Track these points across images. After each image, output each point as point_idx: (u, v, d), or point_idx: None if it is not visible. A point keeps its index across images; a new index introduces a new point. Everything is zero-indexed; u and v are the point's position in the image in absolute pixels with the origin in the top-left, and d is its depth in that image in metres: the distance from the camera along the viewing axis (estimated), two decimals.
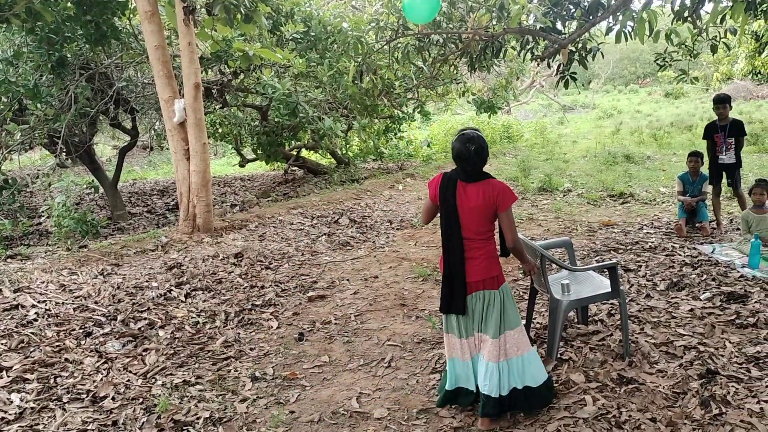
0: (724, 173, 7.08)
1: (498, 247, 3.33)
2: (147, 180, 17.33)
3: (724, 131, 6.90)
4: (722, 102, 6.93)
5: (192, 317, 5.01)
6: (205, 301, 5.38)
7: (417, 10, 5.30)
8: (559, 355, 4.00)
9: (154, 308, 5.16)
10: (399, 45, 7.65)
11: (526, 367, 3.31)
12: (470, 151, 3.12)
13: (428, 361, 4.17)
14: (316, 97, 10.32)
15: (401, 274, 6.17)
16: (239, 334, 4.76)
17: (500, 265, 3.31)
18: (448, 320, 3.38)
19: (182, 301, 5.35)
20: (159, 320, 4.93)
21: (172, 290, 5.55)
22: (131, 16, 9.05)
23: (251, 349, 4.50)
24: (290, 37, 10.04)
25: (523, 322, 4.34)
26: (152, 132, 13.55)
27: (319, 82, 10.47)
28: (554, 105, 31.99)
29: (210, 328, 4.86)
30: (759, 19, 11.46)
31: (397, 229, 8.15)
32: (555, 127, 23.10)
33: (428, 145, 17.81)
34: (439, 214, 3.33)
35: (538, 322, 4.64)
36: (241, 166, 15.02)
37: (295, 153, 14.32)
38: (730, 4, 5.59)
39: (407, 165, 15.06)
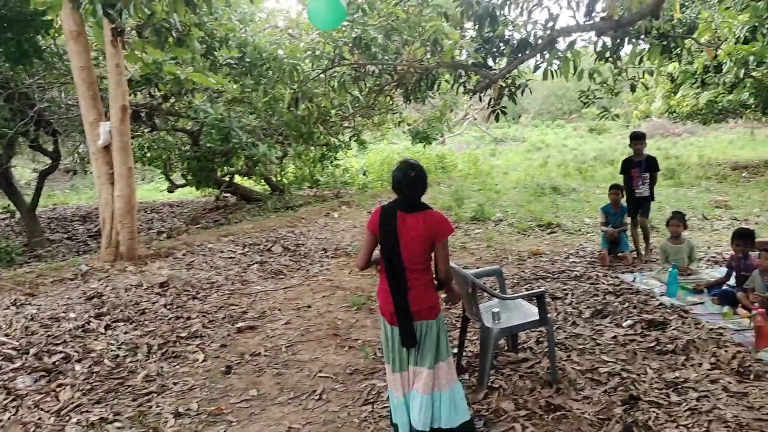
0: (639, 206, 7.41)
1: (435, 279, 3.32)
2: (68, 205, 16.63)
3: (640, 166, 7.23)
4: (638, 139, 7.28)
5: (112, 350, 4.77)
6: (126, 332, 5.15)
7: (322, 17, 5.25)
8: (490, 383, 4.01)
9: (70, 341, 4.89)
10: (335, 74, 7.69)
11: (454, 400, 3.27)
12: (411, 179, 3.15)
13: (361, 392, 4.10)
14: (251, 123, 10.22)
15: (335, 303, 6.10)
16: (162, 367, 4.57)
17: (437, 294, 3.30)
18: (385, 351, 3.31)
19: (102, 333, 5.09)
20: (76, 354, 4.67)
21: (91, 321, 5.29)
22: (56, 35, 8.73)
23: (175, 384, 4.31)
24: (224, 62, 9.93)
25: (455, 350, 4.37)
26: (75, 155, 13.06)
27: (253, 108, 10.39)
28: (486, 137, 32.83)
29: (131, 362, 4.64)
30: (674, 61, 12.16)
31: (332, 257, 8.08)
32: (487, 158, 23.66)
33: (364, 173, 17.89)
34: (378, 248, 3.28)
35: (469, 351, 4.66)
36: (170, 191, 14.64)
37: (227, 179, 14.09)
38: (647, 47, 5.92)
39: (343, 193, 15.06)
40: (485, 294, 4.83)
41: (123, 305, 5.73)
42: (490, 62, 6.92)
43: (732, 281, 5.73)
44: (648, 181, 7.21)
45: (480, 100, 7.54)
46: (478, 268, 6.63)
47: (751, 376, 3.99)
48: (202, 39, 9.01)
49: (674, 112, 18.64)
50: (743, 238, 5.64)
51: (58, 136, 11.37)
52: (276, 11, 14.62)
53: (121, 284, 6.38)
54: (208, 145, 11.28)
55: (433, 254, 3.25)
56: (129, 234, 7.36)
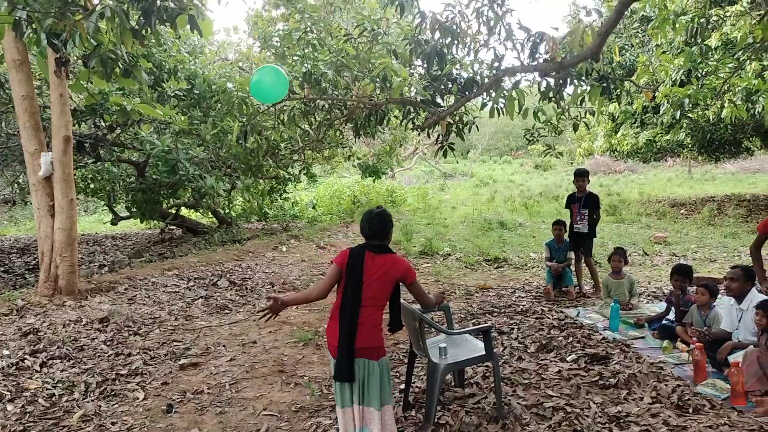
0: (578, 242, 7.60)
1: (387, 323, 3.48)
2: (6, 237, 15.99)
3: (580, 203, 7.45)
4: (580, 176, 7.53)
5: (47, 389, 4.58)
6: (63, 370, 4.95)
7: (265, 92, 5.41)
8: (436, 419, 4.00)
9: (3, 379, 4.67)
10: (285, 108, 7.71)
11: None
12: (380, 226, 3.43)
13: (306, 430, 4.04)
14: (198, 155, 10.10)
15: (281, 338, 6.02)
16: (100, 406, 4.40)
17: (383, 338, 3.39)
18: (334, 387, 3.36)
19: (37, 371, 4.88)
20: (8, 393, 4.46)
21: (25, 359, 5.07)
22: None
23: (113, 423, 4.15)
24: (173, 94, 9.84)
25: (402, 386, 4.37)
26: (15, 185, 12.63)
27: (202, 140, 10.28)
28: (436, 172, 33.29)
29: (67, 401, 4.45)
30: (614, 102, 12.68)
31: (280, 291, 7.98)
32: (436, 193, 23.96)
33: (313, 207, 17.84)
34: (338, 284, 3.40)
35: (416, 386, 4.65)
36: (114, 224, 14.25)
37: (173, 211, 13.83)
38: (589, 87, 6.16)
39: (292, 226, 14.97)
40: (432, 329, 4.85)
41: (60, 341, 5.52)
42: (438, 99, 7.06)
43: (671, 316, 5.91)
44: (586, 217, 7.41)
45: (428, 136, 7.66)
46: None
47: (690, 410, 4.10)
48: (150, 70, 8.93)
49: (615, 150, 19.34)
50: (681, 273, 5.85)
51: None
52: (226, 44, 14.69)
53: (59, 319, 6.15)
54: (154, 176, 11.07)
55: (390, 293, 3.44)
56: (69, 267, 7.12)
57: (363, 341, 3.26)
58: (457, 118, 7.23)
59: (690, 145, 17.58)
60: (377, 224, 3.42)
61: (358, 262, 3.34)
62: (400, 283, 3.43)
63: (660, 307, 6.43)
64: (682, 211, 16.41)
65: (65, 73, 6.79)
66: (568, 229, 7.63)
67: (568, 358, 5.16)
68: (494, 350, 4.10)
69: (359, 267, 3.33)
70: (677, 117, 10.49)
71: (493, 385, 4.51)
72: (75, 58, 8.18)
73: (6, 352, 5.15)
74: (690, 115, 13.11)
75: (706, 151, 18.73)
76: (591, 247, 7.60)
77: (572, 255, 7.62)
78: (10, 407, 4.26)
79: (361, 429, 3.31)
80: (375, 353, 3.32)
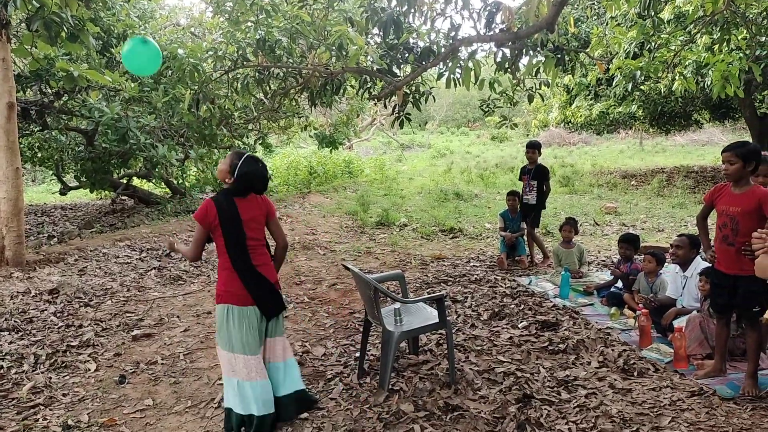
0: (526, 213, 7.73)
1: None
2: None
3: (530, 174, 7.56)
4: (531, 148, 7.63)
5: None
6: (11, 342, 4.84)
7: (138, 63, 5.21)
8: (390, 386, 4.07)
9: None
10: (238, 75, 7.56)
11: (296, 367, 3.75)
12: (264, 172, 3.51)
13: None
14: (150, 124, 9.85)
15: None
16: (51, 378, 4.33)
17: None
18: (239, 342, 3.40)
19: None
20: None
21: None
22: None
23: (64, 395, 4.09)
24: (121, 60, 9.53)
25: (357, 354, 4.42)
26: None
27: (153, 108, 10.02)
28: (393, 143, 33.27)
29: (16, 373, 4.37)
30: (568, 73, 12.82)
31: None
32: (393, 164, 23.98)
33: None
34: (218, 240, 3.43)
35: (371, 354, 4.71)
36: (62, 194, 13.88)
37: (125, 181, 13.51)
38: (544, 59, 6.21)
39: None
40: (387, 298, 4.91)
41: (8, 313, 5.39)
42: (395, 69, 7.03)
43: (619, 283, 6.10)
44: (535, 188, 7.52)
45: (385, 106, 7.64)
46: (381, 272, 6.71)
47: (635, 373, 4.26)
48: (98, 35, 8.63)
49: (570, 122, 19.63)
50: (627, 242, 6.02)
51: None
52: (178, 9, 14.27)
53: (6, 291, 5.99)
54: (104, 145, 10.77)
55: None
56: (16, 238, 6.93)
57: (273, 276, 3.56)
58: (413, 88, 7.22)
59: (642, 118, 17.98)
60: (260, 169, 3.48)
61: (234, 212, 3.39)
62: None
63: (608, 275, 6.62)
64: (632, 182, 16.83)
65: (6, 36, 6.52)
66: (520, 200, 7.75)
67: (519, 325, 5.29)
68: (448, 318, 4.17)
69: (236, 215, 3.39)
70: (629, 89, 10.70)
71: (446, 351, 4.59)
72: (18, 20, 7.84)
73: None
74: (642, 87, 13.36)
75: (657, 124, 19.21)
76: (538, 218, 7.71)
77: (525, 225, 7.76)
78: None
79: (272, 362, 3.59)
80: (279, 284, 3.64)
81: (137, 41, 5.01)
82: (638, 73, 7.85)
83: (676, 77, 8.63)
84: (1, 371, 4.37)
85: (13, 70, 7.09)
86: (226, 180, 3.42)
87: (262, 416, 3.41)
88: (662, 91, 12.77)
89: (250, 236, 3.43)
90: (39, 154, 12.38)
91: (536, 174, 7.51)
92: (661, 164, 21.34)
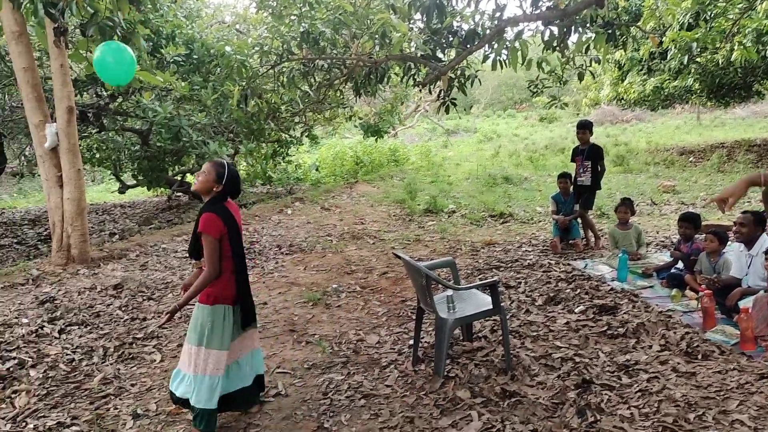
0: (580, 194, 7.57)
1: None
2: (17, 209, 16.11)
3: (583, 155, 7.39)
4: (582, 128, 7.42)
5: (67, 354, 4.69)
6: (81, 336, 5.06)
7: (110, 72, 5.12)
8: (446, 373, 4.09)
9: (24, 346, 4.79)
10: (284, 69, 7.65)
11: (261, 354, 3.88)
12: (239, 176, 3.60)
13: (319, 386, 4.13)
14: (200, 121, 10.08)
15: (291, 299, 6.10)
16: (119, 369, 4.51)
17: None
18: (219, 337, 3.47)
19: (56, 338, 5.00)
20: (30, 359, 4.58)
21: (44, 326, 5.18)
22: None
23: (132, 385, 4.27)
24: (171, 60, 9.77)
25: (410, 342, 4.45)
26: (22, 158, 12.69)
27: (203, 105, 10.24)
28: (438, 129, 33.09)
29: (87, 365, 4.57)
30: (620, 49, 12.49)
31: (286, 254, 8.06)
32: (439, 150, 23.85)
33: (317, 169, 17.83)
34: (224, 248, 3.46)
35: (425, 341, 4.74)
36: (121, 192, 14.34)
37: (179, 178, 13.87)
38: (594, 35, 6.06)
39: (296, 189, 15.01)
40: (439, 285, 4.92)
41: (77, 309, 5.63)
42: (439, 54, 6.98)
43: (680, 264, 5.94)
44: (589, 169, 7.35)
45: (430, 92, 7.60)
46: (432, 260, 6.71)
47: (699, 356, 4.14)
48: (148, 36, 8.86)
49: (622, 99, 19.11)
50: (688, 221, 5.85)
51: (3, 139, 11.03)
52: (223, 7, 14.50)
53: (73, 287, 6.25)
54: (158, 144, 11.09)
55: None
56: (80, 236, 7.22)
57: None
58: (458, 72, 7.17)
59: (698, 91, 17.36)
60: (238, 176, 3.59)
61: (235, 218, 3.52)
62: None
63: (668, 256, 6.45)
64: (690, 158, 16.32)
65: (64, 43, 6.77)
66: (573, 182, 7.60)
67: (576, 310, 5.22)
68: (501, 304, 4.15)
69: (235, 222, 3.51)
70: (685, 62, 10.37)
71: (501, 338, 4.58)
72: (73, 27, 8.12)
73: (25, 320, 5.27)
74: (698, 59, 12.92)
75: (716, 97, 18.51)
76: (591, 200, 7.52)
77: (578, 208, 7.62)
78: (33, 372, 4.38)
79: (253, 350, 3.73)
80: None
81: (108, 50, 4.93)
82: (694, 44, 7.59)
83: (735, 47, 8.30)
84: (73, 363, 4.58)
85: (71, 75, 7.35)
86: (214, 189, 3.45)
87: (209, 410, 3.45)
88: (720, 62, 12.30)
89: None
90: (97, 155, 12.81)
91: (590, 154, 7.35)
92: (721, 139, 20.61)
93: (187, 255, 4.21)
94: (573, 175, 7.63)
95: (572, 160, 7.63)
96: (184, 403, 3.50)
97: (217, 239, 3.37)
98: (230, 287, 3.50)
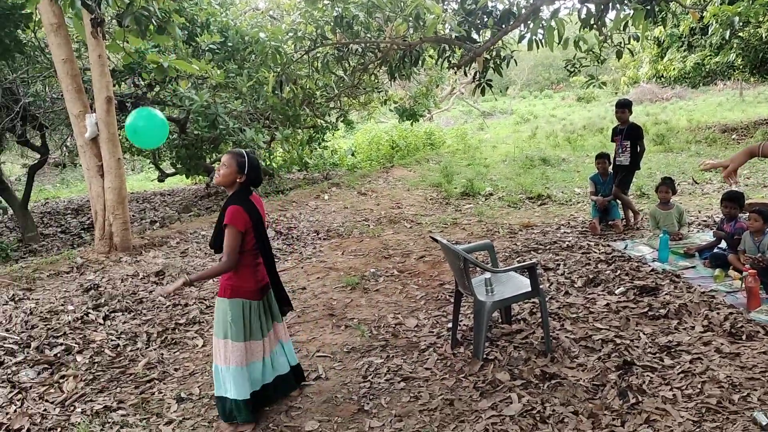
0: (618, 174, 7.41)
1: None
2: (60, 199, 16.56)
3: (622, 134, 7.24)
4: (621, 107, 7.27)
5: (112, 340, 4.82)
6: (125, 322, 5.19)
7: (144, 138, 5.40)
8: (485, 355, 4.08)
9: (70, 333, 4.93)
10: (318, 55, 7.65)
11: (291, 346, 3.89)
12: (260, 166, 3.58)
13: (358, 369, 4.16)
14: (236, 109, 10.17)
15: (329, 284, 6.15)
16: (162, 354, 4.62)
17: None
18: (248, 329, 3.50)
19: (101, 324, 5.13)
20: (76, 345, 4.71)
21: (89, 313, 5.32)
22: (36, 28, 8.64)
23: (176, 370, 4.36)
24: (206, 48, 9.85)
25: (449, 325, 4.44)
26: (64, 149, 12.99)
27: (238, 93, 10.32)
28: (474, 111, 32.75)
29: (131, 351, 4.69)
30: (659, 25, 12.17)
31: (324, 239, 8.11)
32: (475, 132, 23.63)
33: (353, 154, 17.85)
34: (249, 241, 3.46)
35: (464, 324, 4.73)
36: (161, 180, 14.60)
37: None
38: (632, 12, 5.90)
39: (333, 174, 15.05)
40: (477, 268, 4.89)
41: (120, 295, 5.77)
42: (474, 35, 6.89)
43: (723, 244, 5.79)
44: (628, 149, 7.20)
45: (465, 74, 7.52)
46: (469, 243, 6.67)
47: (743, 337, 4.07)
48: (183, 25, 8.95)
49: (662, 76, 18.62)
50: (731, 200, 5.70)
51: (45, 131, 11.30)
52: None
53: (117, 275, 6.40)
54: (196, 132, 11.22)
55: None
56: (122, 225, 7.37)
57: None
58: (494, 53, 7.07)
59: (741, 67, 16.80)
60: (258, 165, 3.55)
61: (258, 212, 3.48)
62: None
63: (710, 235, 6.30)
64: (733, 136, 15.84)
65: (101, 34, 6.88)
66: (612, 162, 7.46)
67: (616, 291, 5.15)
68: (540, 286, 4.11)
69: (259, 215, 3.48)
70: (727, 37, 10.05)
71: (540, 320, 4.54)
72: (110, 17, 8.24)
73: (71, 308, 5.42)
74: (741, 34, 12.50)
75: (759, 72, 17.88)
76: (629, 180, 7.38)
77: None
78: (79, 358, 4.51)
79: (278, 342, 3.76)
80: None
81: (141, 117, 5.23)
82: (736, 18, 7.37)
83: None
84: (118, 349, 4.70)
85: (108, 66, 7.47)
86: (237, 180, 3.44)
87: (243, 400, 3.48)
88: (764, 36, 11.89)
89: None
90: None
91: (629, 134, 7.20)
92: (765, 115, 19.93)
93: (209, 246, 4.26)
94: (611, 156, 7.50)
95: (612, 140, 7.49)
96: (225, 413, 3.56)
97: (241, 232, 3.37)
98: (249, 281, 3.49)
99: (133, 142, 5.39)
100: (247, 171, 3.43)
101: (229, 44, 10.13)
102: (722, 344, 3.98)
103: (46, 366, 4.38)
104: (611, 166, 7.48)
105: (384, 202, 10.45)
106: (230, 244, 3.34)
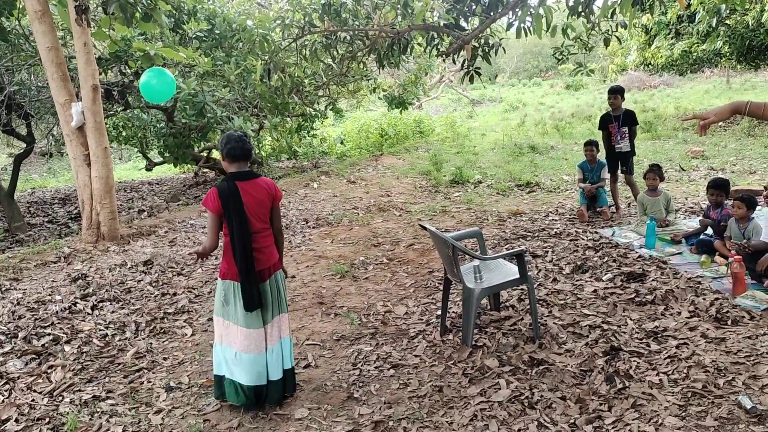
0: (620, 161, 7.44)
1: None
2: (47, 188, 16.42)
3: (618, 121, 7.24)
4: (614, 93, 7.27)
5: (100, 330, 4.80)
6: (113, 312, 5.17)
7: (155, 93, 5.65)
8: (474, 342, 4.10)
9: (58, 323, 4.90)
10: (306, 42, 7.61)
11: (290, 346, 3.70)
12: (246, 148, 3.45)
13: (348, 357, 4.18)
14: (224, 97, 10.09)
15: (318, 272, 6.15)
16: (151, 344, 4.61)
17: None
18: (249, 316, 3.46)
19: (89, 314, 5.11)
20: (64, 335, 4.69)
21: (77, 303, 5.29)
22: (21, 16, 8.53)
23: (165, 359, 4.36)
24: (193, 36, 9.77)
25: (438, 312, 4.46)
26: (50, 138, 12.87)
27: (226, 81, 10.24)
28: (463, 99, 32.74)
29: (120, 340, 4.67)
30: (647, 12, 12.18)
31: (313, 227, 8.10)
32: (464, 120, 23.62)
33: (342, 143, 17.80)
34: (226, 222, 3.42)
35: (453, 312, 4.75)
36: (148, 169, 14.50)
37: (205, 154, 13.97)
38: None
39: (322, 163, 15.02)
40: (466, 256, 4.91)
41: (108, 285, 5.74)
42: (462, 23, 6.89)
43: (710, 231, 5.84)
44: (627, 135, 7.23)
45: (454, 62, 7.51)
46: (458, 230, 6.69)
47: (729, 322, 4.11)
48: (170, 12, 8.86)
49: (650, 64, 18.70)
50: (717, 187, 5.74)
51: (31, 119, 11.19)
52: None
53: (104, 264, 6.37)
54: (183, 121, 11.15)
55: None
56: (109, 214, 7.32)
57: (270, 260, 3.55)
58: (482, 41, 7.06)
59: (728, 54, 16.89)
60: (248, 144, 3.46)
61: (236, 197, 3.36)
62: None
63: (697, 222, 6.34)
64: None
65: (86, 21, 6.80)
66: (608, 149, 7.46)
67: (603, 278, 5.18)
68: (528, 273, 4.13)
69: (239, 201, 3.37)
70: (714, 24, 10.07)
71: (528, 307, 4.57)
72: (95, 5, 8.15)
73: (58, 297, 5.39)
74: (727, 21, 12.55)
75: (745, 59, 17.98)
76: (632, 165, 7.40)
77: (606, 175, 7.51)
78: (67, 348, 4.49)
79: (280, 338, 3.60)
80: (278, 265, 3.64)
81: (153, 75, 5.48)
82: (723, 6, 7.41)
83: (765, 7, 8.04)
84: (107, 339, 4.69)
85: (94, 54, 7.39)
86: (226, 163, 3.48)
87: (253, 386, 3.48)
88: (750, 23, 11.94)
89: (252, 221, 3.42)
90: (124, 133, 12.94)
91: (626, 120, 7.21)
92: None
93: None
94: (600, 143, 7.52)
95: (602, 128, 7.47)
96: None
97: (215, 215, 3.38)
98: (234, 264, 3.45)
99: (145, 98, 5.95)
100: (224, 151, 3.42)
101: (217, 32, 10.04)
102: (708, 329, 4.02)
103: (33, 356, 4.36)
104: (604, 154, 7.49)
105: (373, 190, 10.44)
106: (208, 225, 3.49)
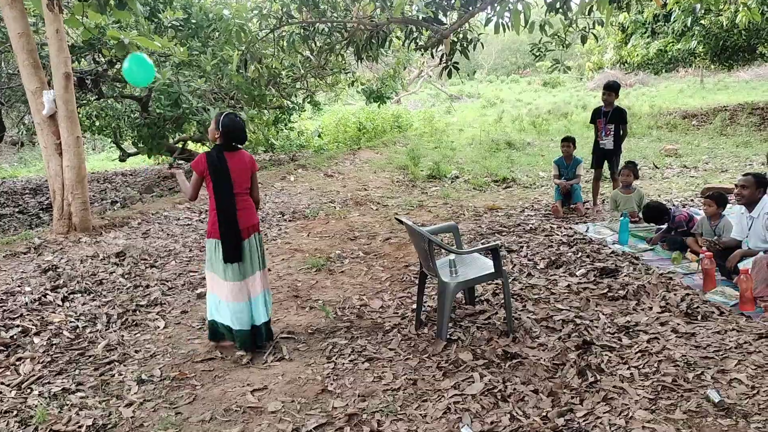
0: (605, 158, 7.48)
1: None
2: (18, 178, 16.09)
3: (606, 117, 7.28)
4: (608, 89, 7.29)
5: (70, 321, 4.71)
6: (84, 304, 5.08)
7: (136, 76, 5.94)
8: (448, 336, 4.11)
9: (27, 314, 4.81)
10: (284, 33, 7.54)
11: (269, 299, 4.33)
12: (242, 124, 4.06)
13: (323, 350, 4.16)
14: (200, 87, 9.98)
15: (294, 265, 6.12)
16: (123, 336, 4.54)
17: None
18: (229, 269, 4.02)
19: (59, 306, 5.02)
20: (33, 327, 4.60)
21: (47, 294, 5.19)
22: None
23: (136, 352, 4.30)
24: (169, 25, 9.63)
25: (413, 306, 4.46)
26: (21, 126, 12.63)
27: (202, 71, 10.13)
28: (442, 95, 32.79)
29: (91, 332, 4.59)
30: (623, 11, 12.29)
31: (289, 220, 8.06)
32: (443, 116, 23.67)
33: (319, 136, 17.73)
34: (209, 186, 3.99)
35: (428, 305, 4.75)
36: (122, 160, 14.31)
37: (180, 146, 13.81)
38: None
39: (299, 156, 14.95)
40: (442, 250, 4.91)
41: (79, 276, 5.64)
42: (441, 17, 6.88)
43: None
44: (612, 132, 7.26)
45: (432, 56, 7.51)
46: (434, 225, 6.70)
47: (699, 317, 4.18)
48: (145, 1, 8.71)
49: (626, 62, 18.89)
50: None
51: (1, 107, 10.95)
52: None
53: (76, 256, 6.27)
54: (158, 111, 10.99)
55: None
56: (81, 205, 7.20)
57: (252, 220, 4.11)
58: (461, 36, 7.06)
59: (702, 54, 17.15)
60: (240, 125, 4.02)
61: (223, 163, 3.95)
62: None
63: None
64: (693, 122, 16.18)
65: (58, 7, 6.66)
66: (594, 143, 7.50)
67: (577, 273, 5.23)
68: (503, 268, 4.15)
69: (225, 166, 3.95)
70: (689, 24, 10.20)
71: (503, 301, 4.59)
72: None
73: (28, 289, 5.28)
74: (702, 21, 12.72)
75: (719, 59, 18.28)
76: (618, 163, 7.45)
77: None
78: (36, 340, 4.41)
79: (263, 291, 4.20)
80: (258, 226, 4.20)
81: (135, 61, 5.78)
82: (698, 6, 7.48)
83: (739, 9, 8.15)
84: (77, 331, 4.60)
85: (67, 41, 7.25)
86: (216, 137, 4.02)
87: (240, 330, 4.08)
88: (724, 24, 12.12)
89: (236, 185, 3.98)
90: (97, 123, 12.74)
91: (614, 117, 7.24)
92: (724, 102, 20.40)
93: None
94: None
95: (592, 122, 7.51)
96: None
97: (198, 175, 3.99)
98: (216, 221, 4.00)
99: (128, 80, 6.33)
100: (221, 127, 3.94)
101: (193, 21, 9.91)
102: (678, 324, 4.08)
103: (1, 348, 4.26)
104: (594, 149, 7.52)
105: (350, 184, 10.42)
106: (191, 181, 4.10)
